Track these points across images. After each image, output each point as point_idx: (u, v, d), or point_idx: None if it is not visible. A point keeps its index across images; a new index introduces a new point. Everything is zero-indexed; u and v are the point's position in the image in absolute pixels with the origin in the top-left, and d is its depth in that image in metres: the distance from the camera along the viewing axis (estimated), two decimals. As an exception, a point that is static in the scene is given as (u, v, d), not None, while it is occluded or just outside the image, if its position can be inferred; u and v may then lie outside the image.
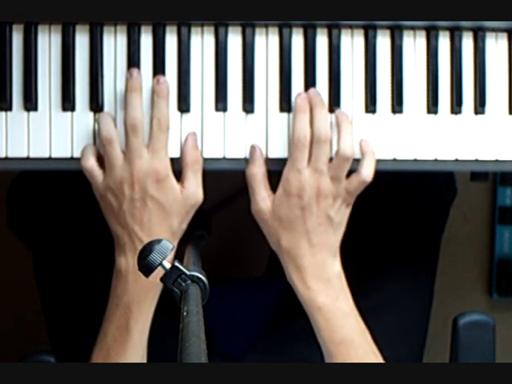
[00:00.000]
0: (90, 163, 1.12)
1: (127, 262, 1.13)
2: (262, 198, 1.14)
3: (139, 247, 1.09)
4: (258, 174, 1.14)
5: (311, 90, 1.15)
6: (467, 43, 1.19)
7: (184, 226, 1.15)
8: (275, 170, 1.15)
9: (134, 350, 1.13)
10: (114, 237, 1.15)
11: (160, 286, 1.13)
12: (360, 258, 1.35)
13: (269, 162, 1.16)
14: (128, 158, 1.11)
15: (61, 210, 1.34)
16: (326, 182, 1.13)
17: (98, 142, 1.13)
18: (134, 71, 1.13)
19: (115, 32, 1.15)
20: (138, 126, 1.11)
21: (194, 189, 1.14)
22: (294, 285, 1.16)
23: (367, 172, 1.14)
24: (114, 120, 1.13)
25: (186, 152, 1.14)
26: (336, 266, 1.17)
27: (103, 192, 1.13)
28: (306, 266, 1.15)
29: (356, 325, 1.16)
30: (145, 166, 1.11)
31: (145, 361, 1.16)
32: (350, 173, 1.15)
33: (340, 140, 1.14)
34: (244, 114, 1.16)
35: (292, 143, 1.13)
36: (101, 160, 1.13)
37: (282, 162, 1.15)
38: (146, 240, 1.08)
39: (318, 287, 1.15)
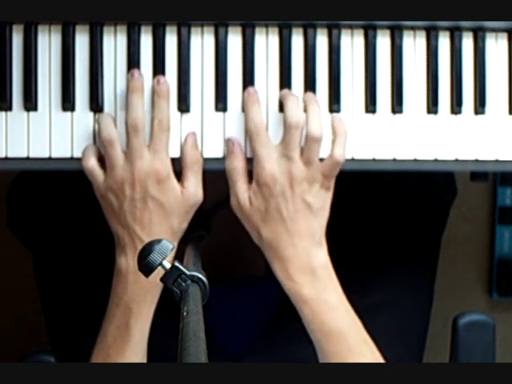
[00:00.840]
0: (91, 163, 1.12)
1: (127, 262, 1.13)
2: (242, 191, 1.14)
3: (139, 247, 1.09)
4: (238, 168, 1.14)
5: (284, 90, 1.15)
6: (467, 43, 1.19)
7: (184, 226, 1.15)
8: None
9: (134, 350, 1.13)
10: (115, 237, 1.15)
11: (160, 286, 1.13)
12: (360, 257, 1.34)
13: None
14: (129, 158, 1.11)
15: (61, 210, 1.34)
16: (297, 167, 1.12)
17: (99, 142, 1.13)
18: (135, 72, 1.13)
19: (115, 32, 1.15)
20: (139, 126, 1.11)
21: (194, 189, 1.14)
22: (278, 278, 1.15)
23: (339, 152, 1.13)
24: (115, 120, 1.13)
25: (186, 152, 1.14)
26: (321, 256, 1.15)
27: (104, 192, 1.13)
28: (289, 257, 1.14)
29: (345, 315, 1.15)
30: (146, 166, 1.11)
31: (145, 361, 1.16)
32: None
33: (308, 121, 1.13)
34: (244, 114, 1.16)
35: (250, 135, 1.13)
36: (102, 160, 1.13)
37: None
38: (147, 240, 1.08)
39: (303, 279, 1.14)
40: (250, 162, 1.14)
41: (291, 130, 1.12)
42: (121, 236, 1.14)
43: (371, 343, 1.17)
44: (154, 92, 1.13)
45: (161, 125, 1.12)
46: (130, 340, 1.13)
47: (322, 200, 1.14)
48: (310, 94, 1.15)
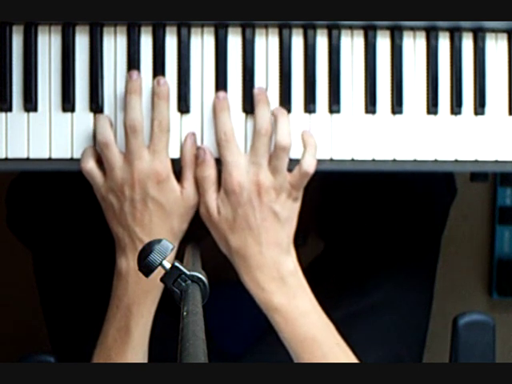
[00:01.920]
0: (90, 165, 1.12)
1: (128, 263, 1.13)
2: (211, 200, 1.13)
3: (140, 248, 1.09)
4: (210, 176, 1.13)
5: (257, 88, 1.15)
6: (467, 44, 1.19)
7: (184, 226, 1.15)
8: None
9: (135, 351, 1.13)
10: (115, 238, 1.15)
11: (160, 287, 1.13)
12: (360, 257, 1.35)
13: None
14: (128, 159, 1.11)
15: (61, 210, 1.34)
16: (265, 175, 1.12)
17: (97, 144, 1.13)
18: (134, 73, 1.13)
19: (115, 32, 1.15)
20: (138, 127, 1.11)
21: (194, 189, 1.14)
22: (247, 286, 1.15)
23: (308, 163, 1.13)
24: (113, 122, 1.13)
25: (186, 152, 1.14)
26: (289, 264, 1.15)
27: (104, 194, 1.13)
28: (257, 265, 1.14)
29: (317, 321, 1.15)
30: (145, 167, 1.11)
31: (145, 361, 1.16)
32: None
33: (277, 130, 1.13)
34: (244, 114, 1.16)
35: (219, 141, 1.13)
36: (101, 161, 1.13)
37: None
38: (147, 240, 1.08)
39: (272, 287, 1.14)
40: None
41: (260, 137, 1.12)
42: (121, 237, 1.14)
43: (344, 345, 1.16)
44: (154, 93, 1.13)
45: (161, 126, 1.12)
46: (130, 341, 1.13)
47: (289, 210, 1.14)
48: (279, 107, 1.15)
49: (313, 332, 1.14)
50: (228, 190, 1.12)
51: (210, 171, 1.13)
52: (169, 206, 1.13)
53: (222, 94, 1.14)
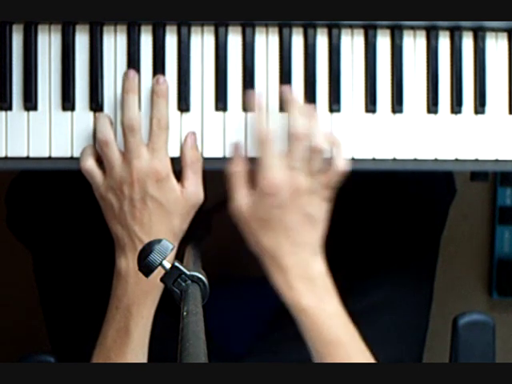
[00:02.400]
0: (89, 164, 1.12)
1: (127, 263, 1.13)
2: (242, 196, 1.13)
3: (139, 248, 1.09)
4: (239, 173, 1.14)
5: (284, 88, 1.15)
6: (467, 43, 1.19)
7: (185, 226, 1.14)
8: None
9: (134, 352, 1.13)
10: (115, 238, 1.14)
11: (160, 287, 1.13)
12: (360, 257, 1.34)
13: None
14: (127, 158, 1.11)
15: (61, 210, 1.34)
16: (301, 179, 1.12)
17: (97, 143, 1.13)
18: (131, 72, 1.13)
19: (115, 32, 1.15)
20: (135, 126, 1.11)
21: (194, 188, 1.13)
22: (277, 286, 1.15)
23: (339, 163, 1.14)
24: (113, 121, 1.13)
25: (186, 152, 1.14)
26: (319, 266, 1.15)
27: (104, 193, 1.13)
28: (289, 265, 1.14)
29: (343, 325, 1.15)
30: (144, 165, 1.11)
31: (145, 362, 1.16)
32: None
33: (312, 133, 1.13)
34: (244, 113, 1.16)
35: (258, 142, 1.13)
36: (101, 161, 1.13)
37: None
38: (146, 240, 1.08)
39: (302, 288, 1.14)
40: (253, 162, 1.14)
41: (296, 141, 1.12)
42: (120, 237, 1.13)
43: (368, 353, 1.16)
44: (153, 91, 1.13)
45: (160, 124, 1.12)
46: (130, 342, 1.13)
47: (321, 211, 1.14)
48: (310, 107, 1.15)
49: (338, 336, 1.14)
50: (264, 191, 1.12)
51: (238, 168, 1.14)
52: (168, 205, 1.12)
53: (258, 94, 1.13)
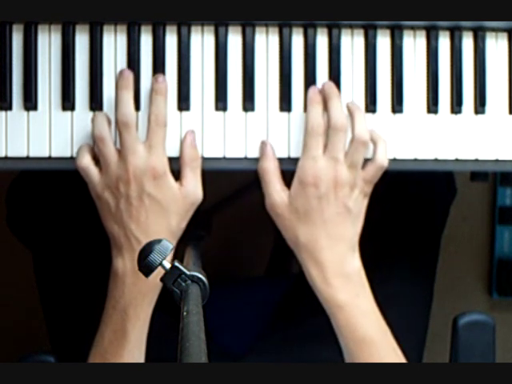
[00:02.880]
0: (85, 161, 1.12)
1: (124, 264, 1.12)
2: (277, 190, 1.13)
3: (136, 248, 1.08)
4: (270, 168, 1.14)
5: (326, 83, 1.15)
6: (467, 43, 1.19)
7: (183, 225, 1.14)
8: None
9: (131, 353, 1.12)
10: (111, 238, 1.14)
11: (158, 288, 1.12)
12: (360, 256, 1.34)
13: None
14: (123, 155, 1.10)
15: (61, 209, 1.34)
16: (342, 171, 1.12)
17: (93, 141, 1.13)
18: (125, 71, 1.13)
19: (115, 32, 1.15)
20: (130, 122, 1.10)
21: (192, 187, 1.13)
22: (312, 281, 1.15)
23: (382, 157, 1.14)
24: (111, 120, 1.13)
25: (185, 150, 1.13)
26: (356, 261, 1.15)
27: (100, 191, 1.12)
28: (326, 260, 1.13)
29: (376, 322, 1.15)
30: (141, 162, 1.10)
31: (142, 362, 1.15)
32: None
33: (354, 125, 1.13)
34: (244, 113, 1.16)
35: (306, 132, 1.13)
36: (97, 160, 1.13)
37: (283, 162, 1.15)
38: (144, 239, 1.08)
39: (338, 283, 1.13)
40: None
41: (337, 133, 1.12)
42: (117, 237, 1.13)
43: (399, 351, 1.16)
44: (152, 89, 1.13)
45: (157, 120, 1.11)
46: (127, 344, 1.12)
47: (360, 206, 1.15)
48: (353, 102, 1.16)
49: (372, 333, 1.13)
50: (305, 182, 1.12)
51: (269, 163, 1.14)
52: (166, 203, 1.12)
53: (313, 88, 1.14)
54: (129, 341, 1.12)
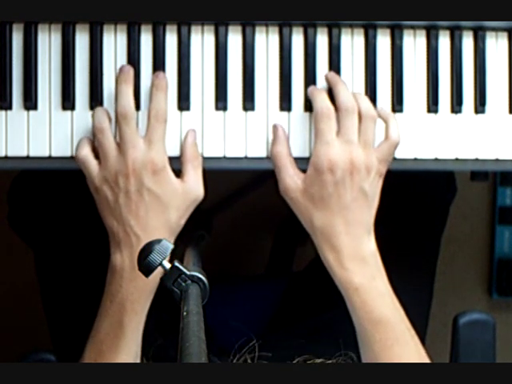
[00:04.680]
0: (84, 152, 1.11)
1: (122, 258, 1.12)
2: (290, 175, 1.13)
3: (135, 243, 1.08)
4: (282, 152, 1.13)
5: (328, 73, 1.16)
6: (467, 43, 1.19)
7: (182, 221, 1.13)
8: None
9: (127, 346, 1.12)
10: (109, 233, 1.13)
11: (155, 283, 1.12)
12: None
13: (270, 160, 1.16)
14: (122, 148, 1.10)
15: (62, 208, 1.34)
16: (357, 153, 1.12)
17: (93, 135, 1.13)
18: (125, 67, 1.13)
19: (115, 31, 1.15)
20: (129, 114, 1.10)
21: (194, 183, 1.13)
22: (329, 265, 1.14)
23: (394, 133, 1.14)
24: (111, 116, 1.13)
25: (186, 149, 1.13)
26: (372, 244, 1.15)
27: (98, 185, 1.11)
28: (342, 245, 1.13)
29: (391, 304, 1.15)
30: (140, 156, 1.10)
31: (138, 357, 1.15)
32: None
33: (360, 105, 1.13)
34: (244, 113, 1.16)
35: (316, 118, 1.13)
36: (97, 153, 1.12)
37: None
38: (142, 235, 1.08)
39: (355, 267, 1.13)
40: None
41: (348, 115, 1.12)
42: (115, 232, 1.12)
43: (413, 332, 1.16)
44: (152, 85, 1.13)
45: (157, 116, 1.11)
46: (123, 337, 1.12)
47: (375, 187, 1.14)
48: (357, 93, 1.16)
49: (388, 314, 1.13)
50: (321, 168, 1.11)
51: (282, 148, 1.13)
52: (166, 198, 1.11)
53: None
54: (125, 334, 1.11)
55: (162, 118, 1.11)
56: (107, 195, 1.11)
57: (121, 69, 1.13)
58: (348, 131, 1.12)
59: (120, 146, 1.10)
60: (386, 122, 1.15)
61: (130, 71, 1.13)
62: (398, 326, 1.14)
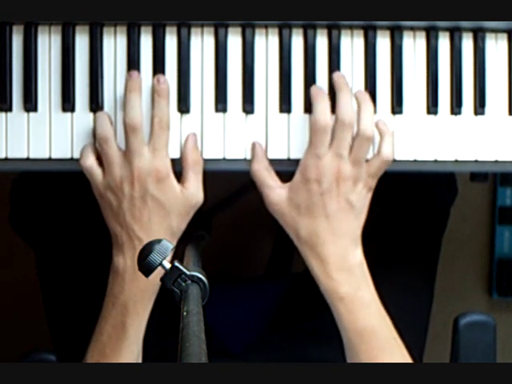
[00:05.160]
0: (89, 162, 1.12)
1: (125, 261, 1.13)
2: (272, 189, 1.14)
3: (138, 246, 1.09)
4: (260, 168, 1.14)
5: (336, 73, 1.15)
6: (467, 44, 1.19)
7: (183, 226, 1.14)
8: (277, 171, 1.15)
9: (130, 348, 1.13)
10: (113, 236, 1.14)
11: (157, 285, 1.13)
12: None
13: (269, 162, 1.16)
14: (128, 157, 1.11)
15: (63, 208, 1.34)
16: (346, 166, 1.12)
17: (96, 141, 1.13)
18: (134, 73, 1.13)
19: (115, 33, 1.15)
20: (138, 125, 1.11)
21: (194, 189, 1.13)
22: (315, 275, 1.15)
23: (387, 151, 1.14)
24: (112, 120, 1.13)
25: (187, 153, 1.14)
26: (358, 255, 1.15)
27: (103, 191, 1.13)
28: (328, 254, 1.14)
29: (377, 313, 1.15)
30: (145, 164, 1.11)
31: (140, 359, 1.16)
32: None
33: (360, 120, 1.13)
34: (244, 114, 1.16)
35: (311, 129, 1.13)
36: (100, 159, 1.13)
37: (282, 163, 1.16)
38: (145, 239, 1.08)
39: (340, 277, 1.14)
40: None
41: (343, 128, 1.12)
42: (119, 235, 1.13)
43: (399, 341, 1.17)
44: (153, 91, 1.13)
45: (161, 123, 1.12)
46: (125, 339, 1.13)
47: (363, 200, 1.15)
48: (363, 92, 1.15)
49: (373, 324, 1.14)
50: (307, 177, 1.12)
51: (259, 164, 1.14)
52: (168, 205, 1.12)
53: (315, 87, 1.14)
54: (127, 336, 1.12)
55: (165, 125, 1.12)
56: (111, 201, 1.12)
57: (130, 75, 1.13)
58: (340, 145, 1.12)
59: (126, 154, 1.11)
60: (381, 136, 1.15)
61: (139, 79, 1.13)
62: (383, 336, 1.15)
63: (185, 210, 1.14)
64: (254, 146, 1.15)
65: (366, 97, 1.15)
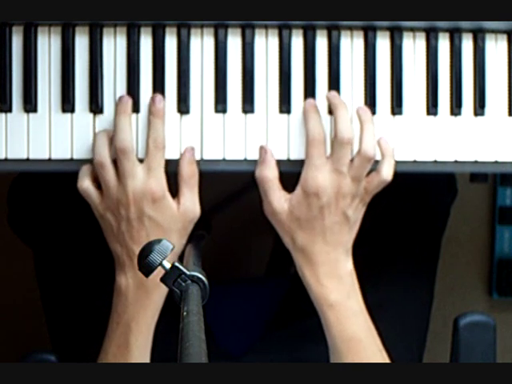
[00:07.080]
0: (86, 185, 1.13)
1: (127, 281, 1.14)
2: (276, 199, 1.14)
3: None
4: (269, 176, 1.14)
5: (329, 93, 1.16)
6: (467, 44, 1.19)
7: (184, 240, 1.15)
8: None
9: None
10: (114, 256, 1.16)
11: (160, 303, 1.14)
12: (360, 257, 1.34)
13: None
14: (121, 180, 1.12)
15: (62, 208, 1.34)
16: (346, 183, 1.14)
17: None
18: (124, 97, 1.13)
19: (115, 33, 1.15)
20: (128, 148, 1.11)
21: (190, 204, 1.14)
22: (306, 281, 1.17)
23: (387, 172, 1.15)
24: (110, 137, 1.13)
25: (183, 166, 1.14)
26: (348, 265, 1.17)
27: (102, 212, 1.14)
28: (320, 262, 1.16)
29: (365, 323, 1.17)
30: (139, 186, 1.11)
31: None
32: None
33: (362, 140, 1.14)
34: (244, 115, 1.16)
35: (307, 142, 1.14)
36: (97, 180, 1.14)
37: (282, 163, 1.16)
38: None
39: (331, 284, 1.16)
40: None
41: (343, 146, 1.13)
42: (120, 255, 1.14)
43: (385, 353, 1.18)
44: (149, 111, 1.13)
45: (156, 143, 1.12)
46: (130, 357, 1.14)
47: (359, 213, 1.17)
48: (365, 109, 1.16)
49: (360, 333, 1.16)
50: (308, 191, 1.13)
51: (269, 171, 1.14)
52: (166, 224, 1.13)
53: (311, 100, 1.15)
54: (132, 355, 1.14)
55: (160, 145, 1.12)
56: (110, 222, 1.14)
57: (120, 99, 1.13)
58: (339, 161, 1.13)
59: (119, 177, 1.12)
60: (382, 156, 1.16)
61: (129, 102, 1.13)
62: (369, 347, 1.17)
63: (182, 226, 1.14)
64: (263, 150, 1.15)
65: (368, 115, 1.16)
